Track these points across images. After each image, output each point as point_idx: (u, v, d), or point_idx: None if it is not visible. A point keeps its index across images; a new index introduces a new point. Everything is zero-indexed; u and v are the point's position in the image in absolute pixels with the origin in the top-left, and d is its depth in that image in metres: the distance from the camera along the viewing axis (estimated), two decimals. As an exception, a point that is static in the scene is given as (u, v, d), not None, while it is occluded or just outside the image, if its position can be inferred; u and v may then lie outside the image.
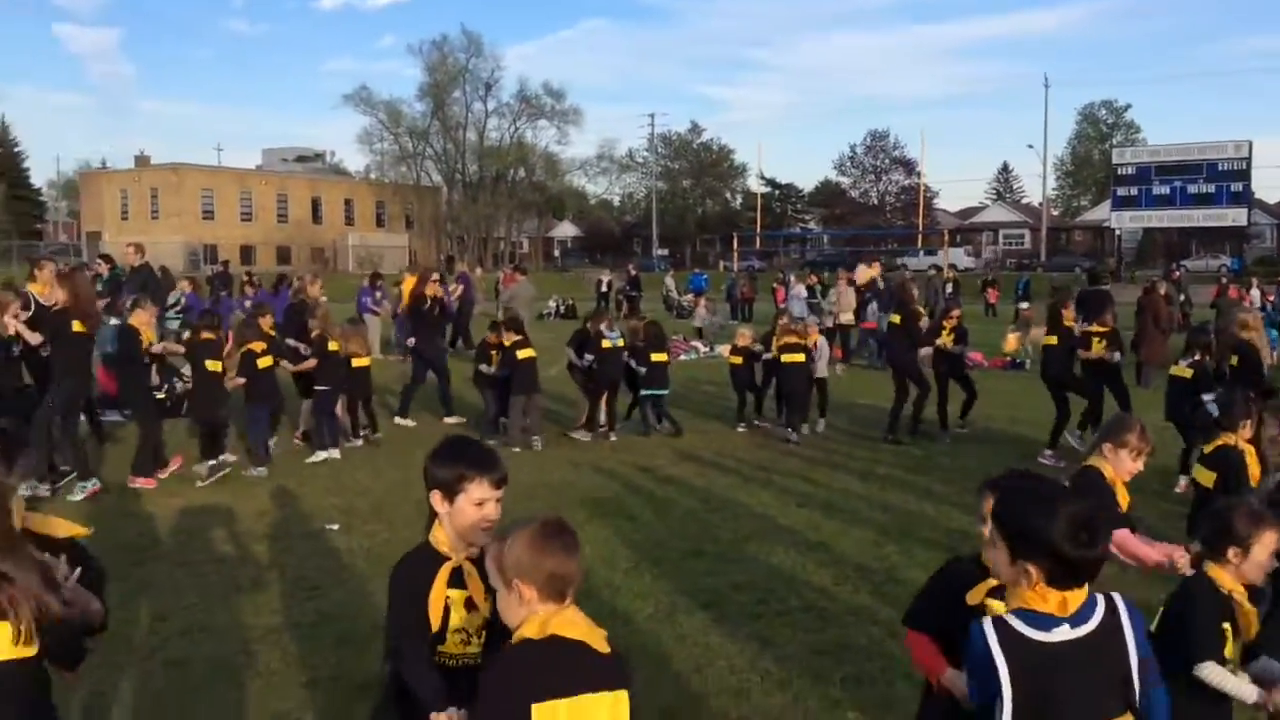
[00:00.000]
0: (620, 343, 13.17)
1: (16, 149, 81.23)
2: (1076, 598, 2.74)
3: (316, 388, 11.83)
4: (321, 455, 11.49)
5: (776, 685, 5.56)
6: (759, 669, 5.76)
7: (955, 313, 13.48)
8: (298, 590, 7.05)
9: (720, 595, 6.95)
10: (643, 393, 13.39)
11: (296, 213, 79.18)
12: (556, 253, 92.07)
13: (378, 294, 21.36)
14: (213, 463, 10.54)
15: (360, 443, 12.43)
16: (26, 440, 3.51)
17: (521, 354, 12.49)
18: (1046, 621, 2.72)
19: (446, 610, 3.14)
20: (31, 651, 2.75)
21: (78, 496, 9.43)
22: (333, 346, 11.88)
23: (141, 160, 78.55)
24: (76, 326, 9.80)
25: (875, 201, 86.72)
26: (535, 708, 2.60)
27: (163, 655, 5.94)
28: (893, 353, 13.65)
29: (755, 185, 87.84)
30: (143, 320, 10.70)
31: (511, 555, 2.72)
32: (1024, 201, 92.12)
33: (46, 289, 10.34)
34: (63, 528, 3.36)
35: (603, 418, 13.25)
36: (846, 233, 78.71)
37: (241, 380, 11.06)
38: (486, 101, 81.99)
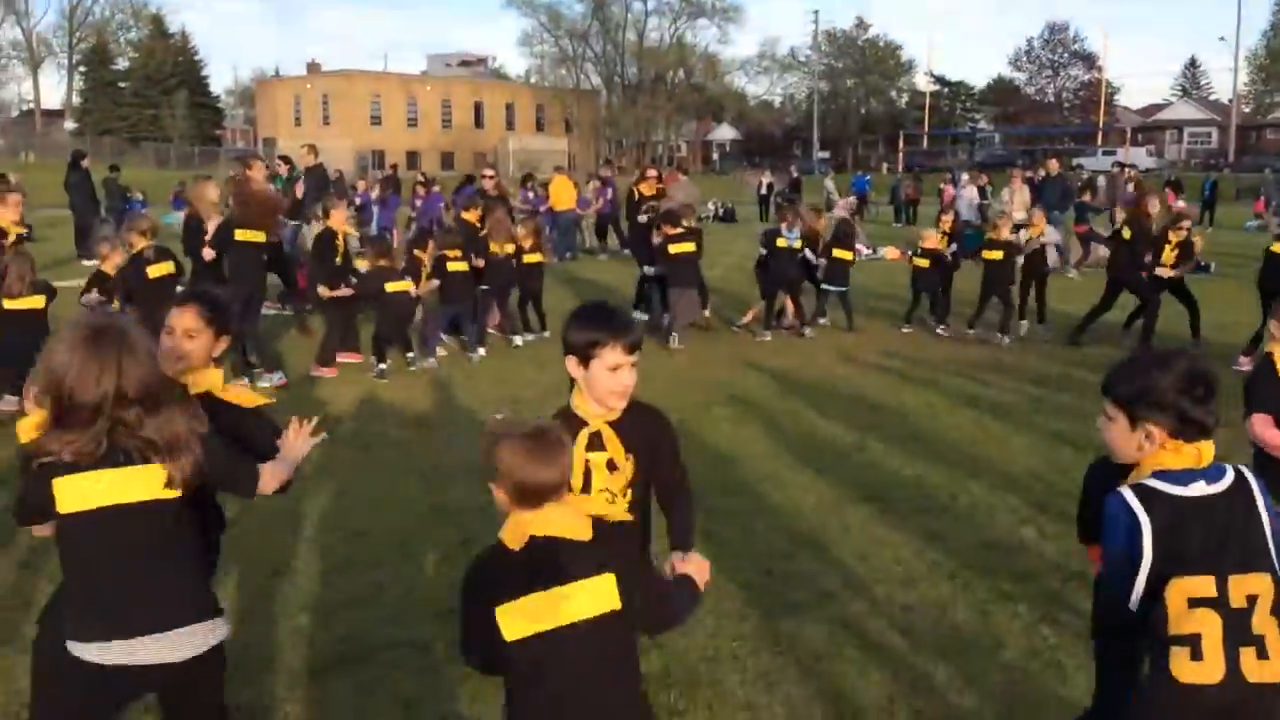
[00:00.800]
0: (798, 244, 13.14)
1: (197, 58, 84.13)
2: (1209, 450, 2.78)
3: (481, 288, 12.03)
4: (430, 362, 11.34)
5: (945, 575, 5.50)
6: (926, 559, 5.71)
7: (1184, 224, 12.25)
8: (469, 474, 7.29)
9: (884, 490, 6.88)
10: (823, 286, 13.46)
11: (460, 118, 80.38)
12: (715, 156, 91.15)
13: (531, 194, 21.97)
14: (409, 357, 10.97)
15: (530, 338, 12.65)
16: (230, 311, 3.73)
17: (674, 249, 12.48)
18: (1184, 476, 2.76)
19: (588, 473, 3.22)
20: (175, 494, 2.88)
21: (265, 385, 9.91)
22: (493, 249, 12.05)
23: (313, 67, 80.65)
24: (240, 235, 10.29)
25: (1051, 99, 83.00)
26: (498, 610, 2.64)
27: (346, 528, 6.26)
28: (1120, 266, 12.77)
29: (923, 83, 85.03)
30: (340, 220, 11.25)
31: (493, 458, 2.72)
32: (1212, 98, 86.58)
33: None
34: (250, 398, 3.61)
35: (789, 318, 13.39)
36: (1020, 131, 75.58)
37: (435, 283, 11.43)
38: (646, 1, 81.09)
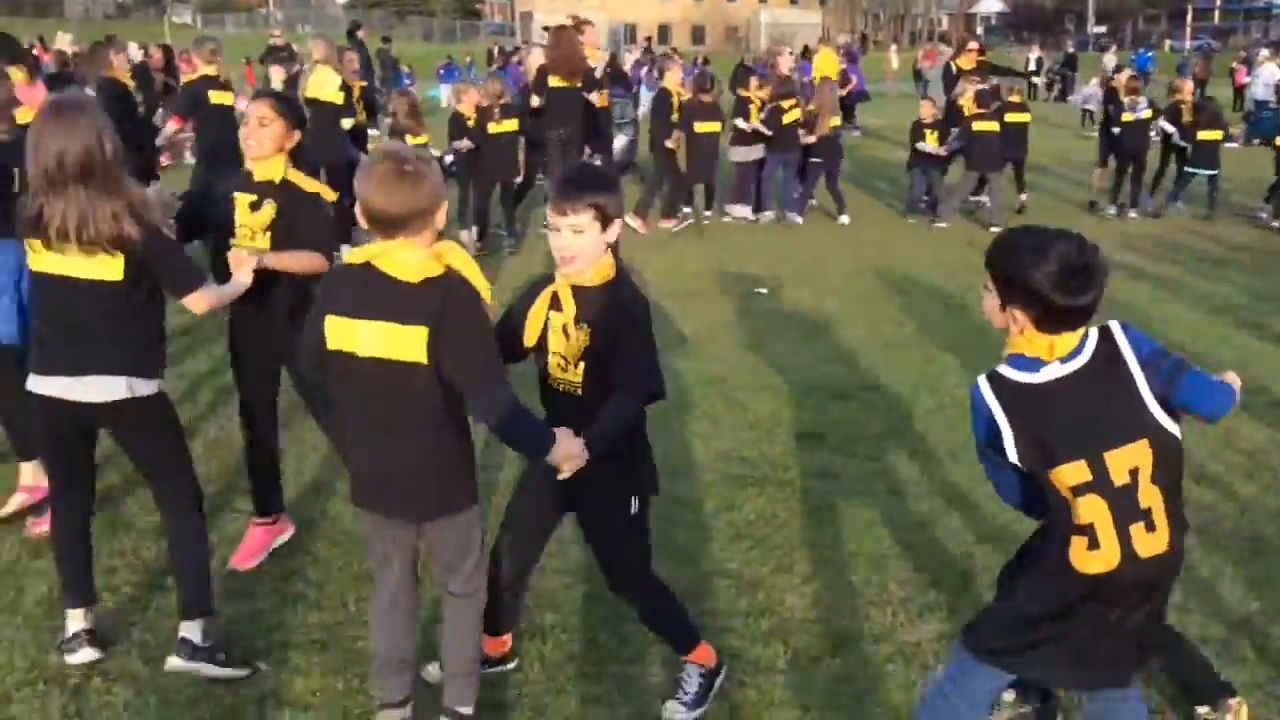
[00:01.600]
0: (1146, 114, 12.81)
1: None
2: (1065, 342, 2.66)
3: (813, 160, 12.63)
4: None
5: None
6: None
7: None
8: (739, 346, 7.45)
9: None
10: (1186, 169, 13.01)
11: (713, -10, 79.15)
12: (979, 30, 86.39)
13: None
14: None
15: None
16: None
17: (978, 126, 12.29)
18: (1035, 364, 2.67)
19: (546, 332, 3.26)
20: (117, 278, 3.43)
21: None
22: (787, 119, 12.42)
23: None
24: (553, 81, 10.91)
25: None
26: (328, 318, 3.00)
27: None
28: None
29: (1216, -49, 77.38)
30: (673, 81, 12.30)
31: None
32: None
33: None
34: (311, 184, 4.28)
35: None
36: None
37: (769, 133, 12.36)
38: None
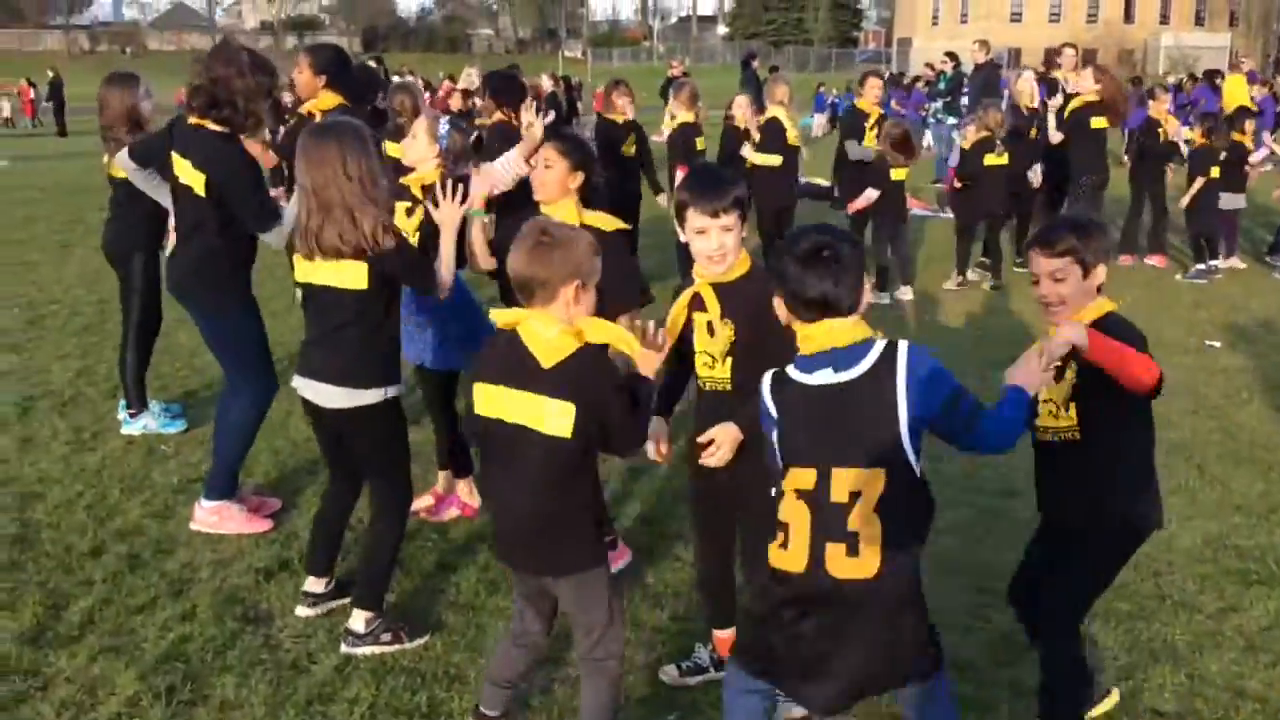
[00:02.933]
0: None
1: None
2: (820, 334, 2.71)
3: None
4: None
5: None
6: None
7: None
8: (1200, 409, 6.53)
9: None
10: None
11: (1108, 11, 74.50)
12: None
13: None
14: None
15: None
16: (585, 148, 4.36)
17: None
18: (810, 364, 2.73)
19: (691, 332, 3.39)
20: (362, 287, 3.77)
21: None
22: None
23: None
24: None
25: None
26: (475, 383, 3.12)
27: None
28: None
29: None
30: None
31: None
32: None
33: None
34: (608, 221, 4.24)
35: None
36: None
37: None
38: None
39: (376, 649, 3.96)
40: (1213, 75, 20.37)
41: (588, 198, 4.28)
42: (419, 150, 4.96)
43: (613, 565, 4.42)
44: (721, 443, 3.24)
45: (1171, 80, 22.06)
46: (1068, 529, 3.30)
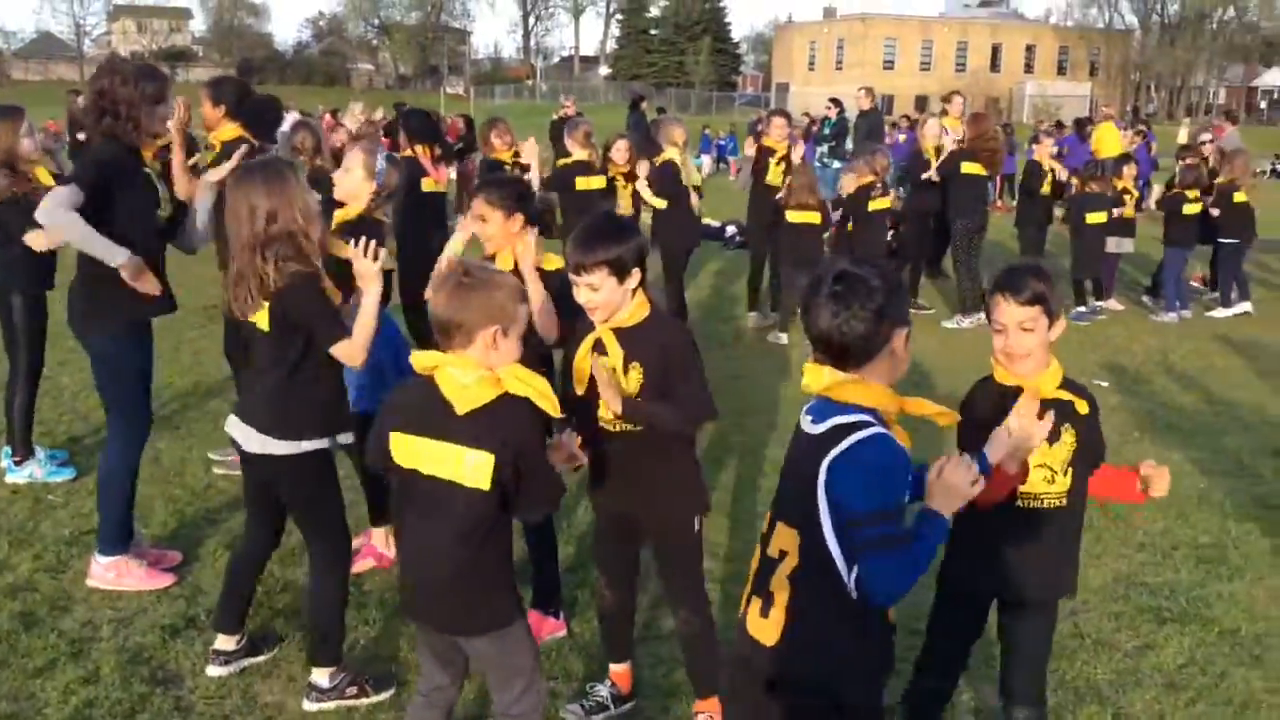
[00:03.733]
0: None
1: (720, 4, 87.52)
2: (812, 375, 2.54)
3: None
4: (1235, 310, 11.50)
5: None
6: None
7: None
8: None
9: None
10: None
11: (975, 61, 77.30)
12: (1263, 104, 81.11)
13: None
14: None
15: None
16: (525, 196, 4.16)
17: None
18: (811, 403, 2.59)
19: (592, 378, 3.32)
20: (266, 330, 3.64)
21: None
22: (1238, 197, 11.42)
23: (829, 12, 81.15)
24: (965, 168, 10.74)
25: None
26: (391, 434, 2.98)
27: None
28: None
29: None
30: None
31: None
32: None
33: None
34: (550, 260, 4.03)
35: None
36: None
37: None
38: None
39: (342, 703, 3.84)
40: (1082, 124, 21.20)
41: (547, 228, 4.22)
42: (352, 184, 4.80)
43: (546, 634, 4.34)
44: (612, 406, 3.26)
45: (1045, 128, 22.82)
46: (1024, 600, 3.16)
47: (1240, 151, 12.14)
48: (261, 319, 3.63)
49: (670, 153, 9.74)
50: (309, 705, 3.83)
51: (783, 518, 2.58)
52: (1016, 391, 3.01)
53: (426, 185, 7.82)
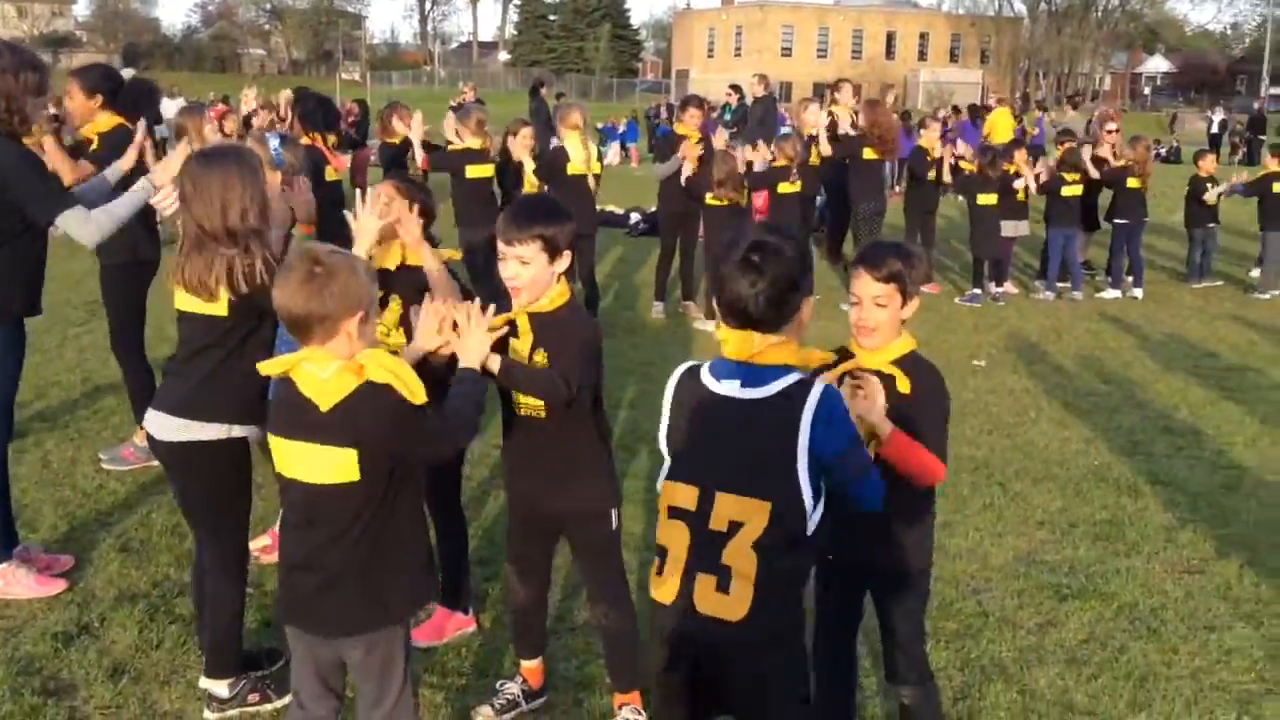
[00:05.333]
0: None
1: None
2: (738, 340, 2.54)
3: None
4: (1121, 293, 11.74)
5: None
6: None
7: None
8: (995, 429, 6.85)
9: None
10: None
11: (871, 49, 78.42)
12: (1146, 90, 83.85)
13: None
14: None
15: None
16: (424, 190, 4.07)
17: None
18: (722, 369, 2.58)
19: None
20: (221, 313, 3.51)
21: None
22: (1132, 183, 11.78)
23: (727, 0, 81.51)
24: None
25: None
26: (270, 439, 2.88)
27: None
28: None
29: None
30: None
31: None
32: None
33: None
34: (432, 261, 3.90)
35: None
36: None
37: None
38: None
39: (245, 709, 3.74)
40: (975, 111, 21.65)
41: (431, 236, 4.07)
42: None
43: (453, 630, 4.26)
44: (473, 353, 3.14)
45: (942, 113, 23.29)
46: (885, 572, 3.19)
47: (1140, 138, 12.54)
48: (219, 306, 3.49)
49: (568, 137, 9.67)
50: (210, 716, 3.71)
51: (728, 488, 2.49)
52: (848, 358, 3.12)
53: (329, 174, 7.64)
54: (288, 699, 3.69)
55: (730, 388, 2.55)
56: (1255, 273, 12.58)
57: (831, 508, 2.56)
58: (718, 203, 9.55)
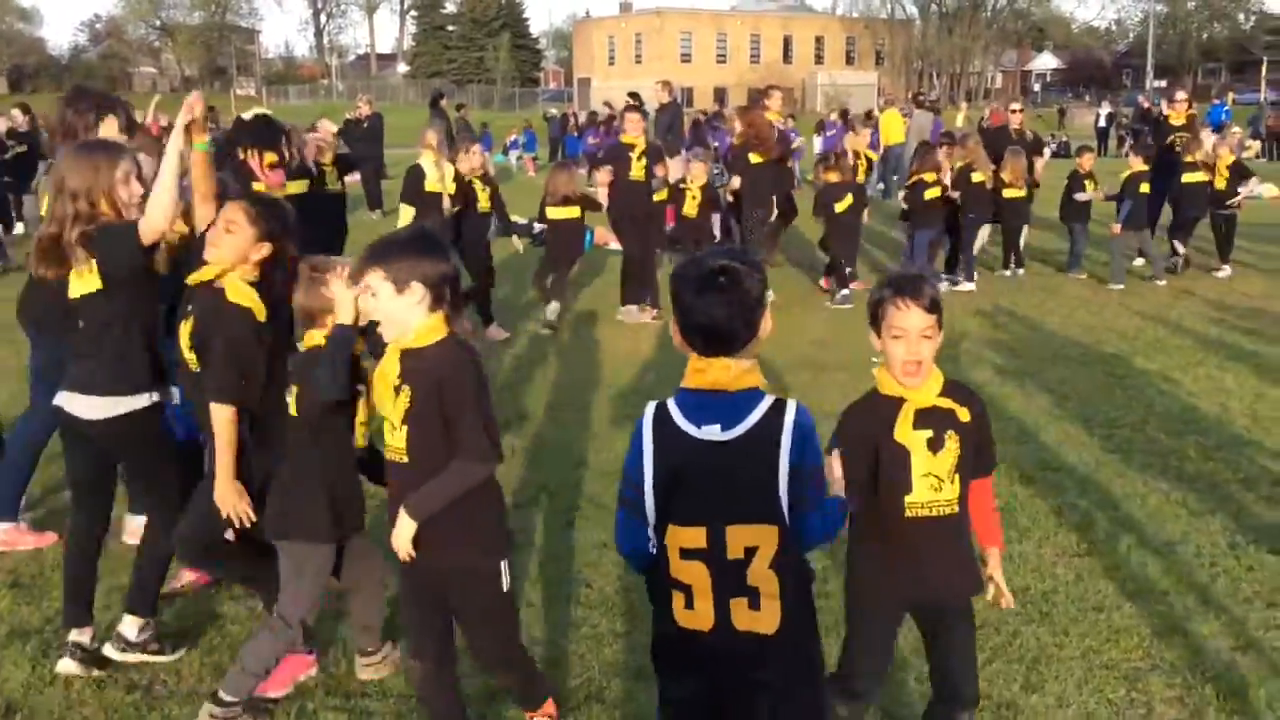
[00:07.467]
0: (1202, 176, 12.63)
1: (518, 1, 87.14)
2: (714, 370, 2.53)
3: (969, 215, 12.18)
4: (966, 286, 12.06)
5: None
6: None
7: None
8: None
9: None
10: None
11: (768, 53, 79.47)
12: (1036, 87, 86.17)
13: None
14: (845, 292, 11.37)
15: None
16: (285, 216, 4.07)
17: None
18: (697, 411, 2.55)
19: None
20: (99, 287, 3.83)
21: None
22: (976, 177, 12.13)
23: (625, 7, 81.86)
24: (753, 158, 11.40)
25: None
26: None
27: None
28: None
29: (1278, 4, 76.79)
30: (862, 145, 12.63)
31: None
32: None
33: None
34: (242, 296, 3.93)
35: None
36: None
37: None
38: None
39: (145, 657, 4.06)
40: (845, 115, 22.29)
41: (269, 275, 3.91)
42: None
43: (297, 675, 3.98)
44: (400, 548, 3.20)
45: (833, 117, 23.74)
46: (943, 607, 3.18)
47: (969, 134, 13.11)
48: (90, 281, 3.80)
49: (423, 156, 9.79)
50: (111, 651, 4.02)
51: (736, 520, 2.55)
52: (900, 402, 3.02)
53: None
54: (181, 653, 4.18)
55: (712, 433, 2.55)
56: (1139, 262, 13.03)
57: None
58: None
